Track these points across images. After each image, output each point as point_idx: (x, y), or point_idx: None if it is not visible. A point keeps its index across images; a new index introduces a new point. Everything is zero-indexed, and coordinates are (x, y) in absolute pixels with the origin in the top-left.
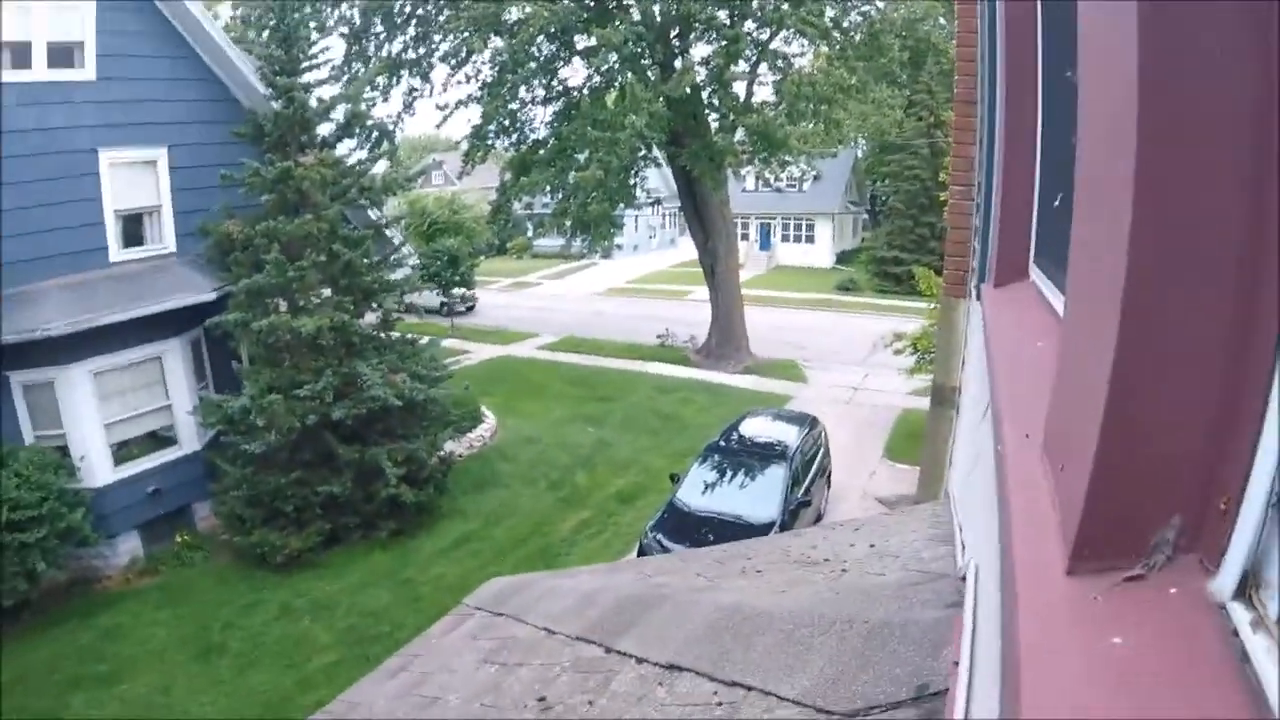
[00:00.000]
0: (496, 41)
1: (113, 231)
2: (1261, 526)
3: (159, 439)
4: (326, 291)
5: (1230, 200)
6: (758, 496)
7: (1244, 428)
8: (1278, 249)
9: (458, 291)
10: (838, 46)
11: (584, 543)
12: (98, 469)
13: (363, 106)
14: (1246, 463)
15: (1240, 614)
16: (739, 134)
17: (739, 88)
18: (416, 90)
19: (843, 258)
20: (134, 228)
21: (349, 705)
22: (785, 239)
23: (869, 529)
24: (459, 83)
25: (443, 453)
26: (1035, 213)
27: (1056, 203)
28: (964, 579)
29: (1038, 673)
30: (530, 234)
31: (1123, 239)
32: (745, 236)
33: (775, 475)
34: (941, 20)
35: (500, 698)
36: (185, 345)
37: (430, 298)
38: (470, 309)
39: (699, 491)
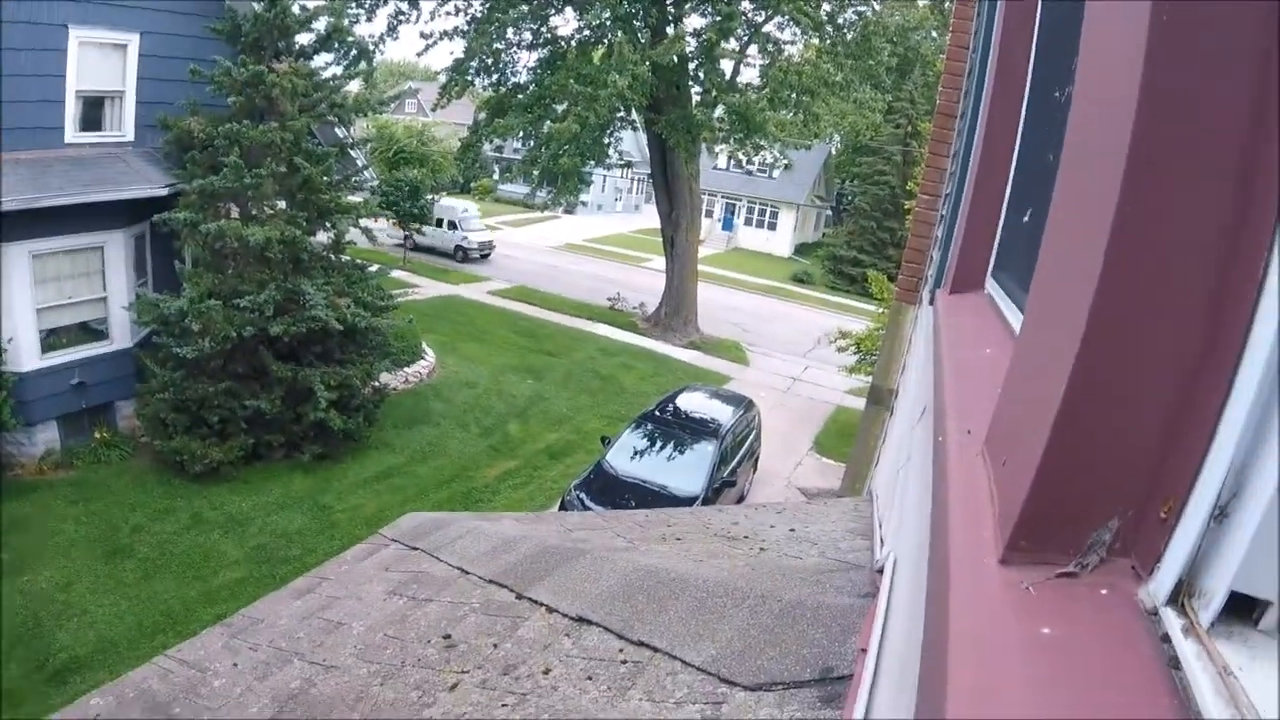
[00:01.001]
0: None
1: (71, 112)
2: (1202, 536)
3: (90, 331)
4: (281, 204)
5: (1209, 234)
6: (684, 469)
7: (1195, 440)
8: (1253, 275)
9: (476, 236)
10: (829, 41)
11: (508, 492)
12: (24, 354)
13: (345, 21)
14: (1192, 473)
15: (1172, 619)
16: (719, 111)
17: (726, 65)
18: (403, 14)
19: (801, 249)
20: (94, 111)
21: (250, 620)
22: (748, 222)
23: (791, 514)
24: (448, 13)
25: (377, 383)
26: (1000, 227)
27: (1026, 218)
28: (880, 571)
29: (965, 656)
30: (496, 177)
31: (1098, 255)
32: (709, 213)
33: (704, 451)
34: (934, 34)
35: (405, 630)
36: (129, 239)
37: (443, 238)
38: (485, 256)
39: (628, 457)
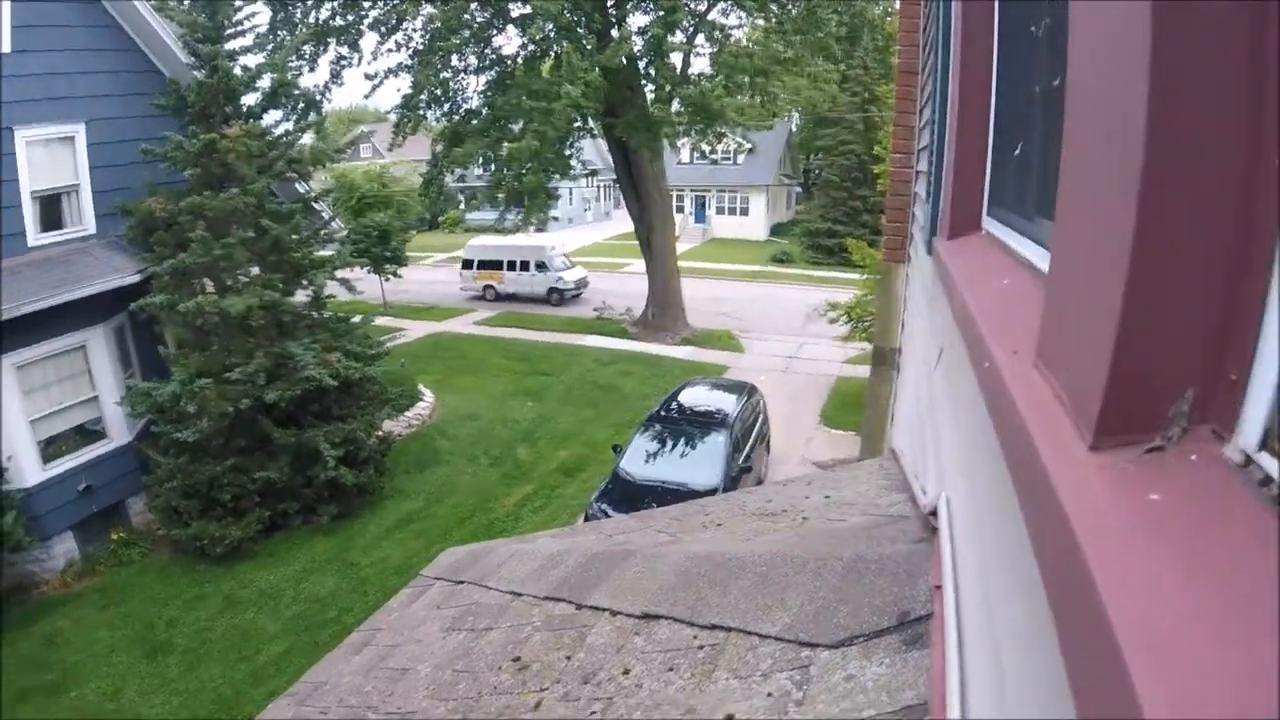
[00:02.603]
0: (428, 7)
1: (30, 214)
2: (1278, 384)
3: (87, 433)
4: (255, 269)
5: (1238, 110)
6: (700, 463)
7: (1251, 302)
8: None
9: (570, 275)
10: (775, 19)
11: (529, 516)
12: (26, 468)
13: (289, 75)
14: (1254, 332)
15: (1268, 460)
16: (675, 105)
17: (676, 59)
18: (345, 59)
19: (777, 230)
20: (52, 210)
21: (314, 685)
22: (720, 211)
23: (820, 483)
24: (389, 50)
25: (381, 432)
26: (989, 167)
27: (1018, 151)
28: (933, 514)
29: (1092, 533)
30: (463, 206)
31: (1136, 153)
32: (680, 209)
33: (716, 442)
34: None
35: (473, 662)
36: (109, 332)
37: (530, 282)
38: (577, 296)
39: (642, 461)
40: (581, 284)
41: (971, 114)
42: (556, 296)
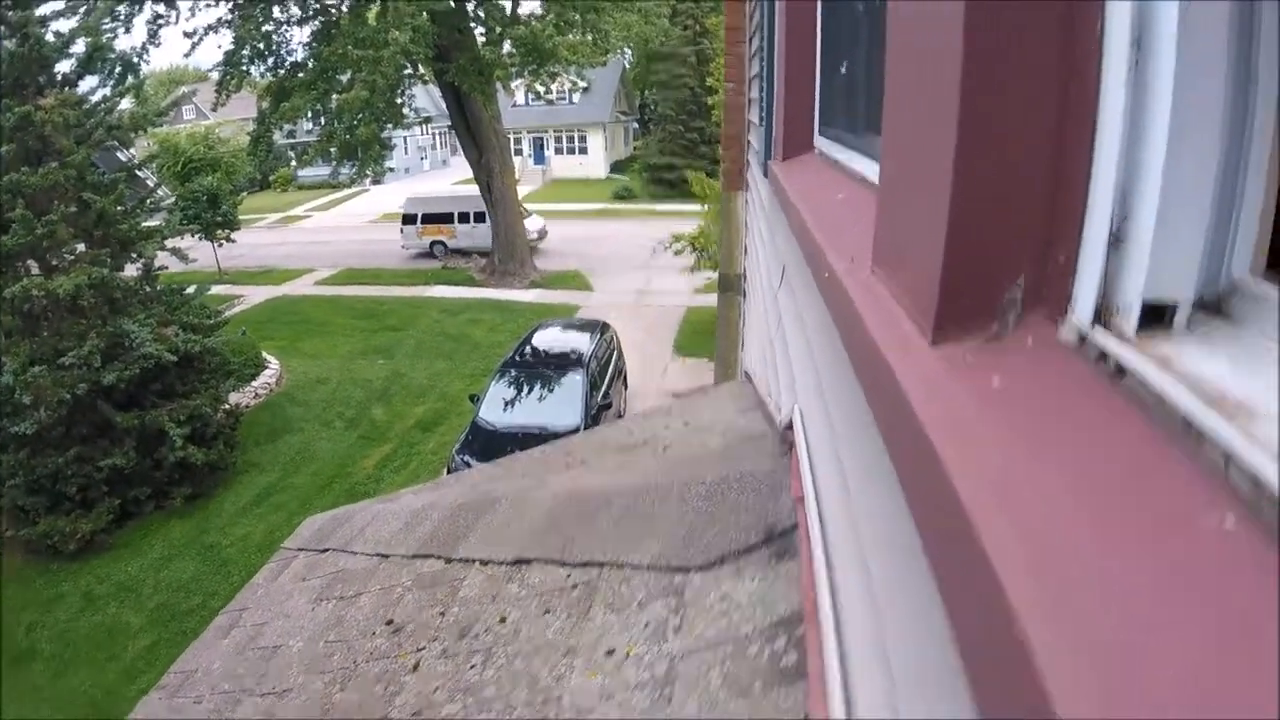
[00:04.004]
0: None
1: None
2: (1105, 263)
3: None
4: (81, 246)
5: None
6: (559, 405)
7: (1074, 183)
8: None
9: (529, 224)
10: None
11: (390, 476)
12: None
13: (104, 39)
14: (1079, 214)
15: (1103, 335)
16: (506, 46)
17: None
18: (162, 17)
19: (616, 167)
20: None
21: (183, 675)
22: (559, 151)
23: (679, 411)
24: (207, 5)
25: (228, 405)
26: (817, 88)
27: (844, 70)
28: (789, 427)
29: (939, 424)
30: (294, 164)
31: (956, 53)
32: (519, 152)
33: (573, 382)
34: None
35: (346, 631)
36: None
37: (484, 236)
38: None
39: (500, 409)
40: (542, 233)
41: (798, 38)
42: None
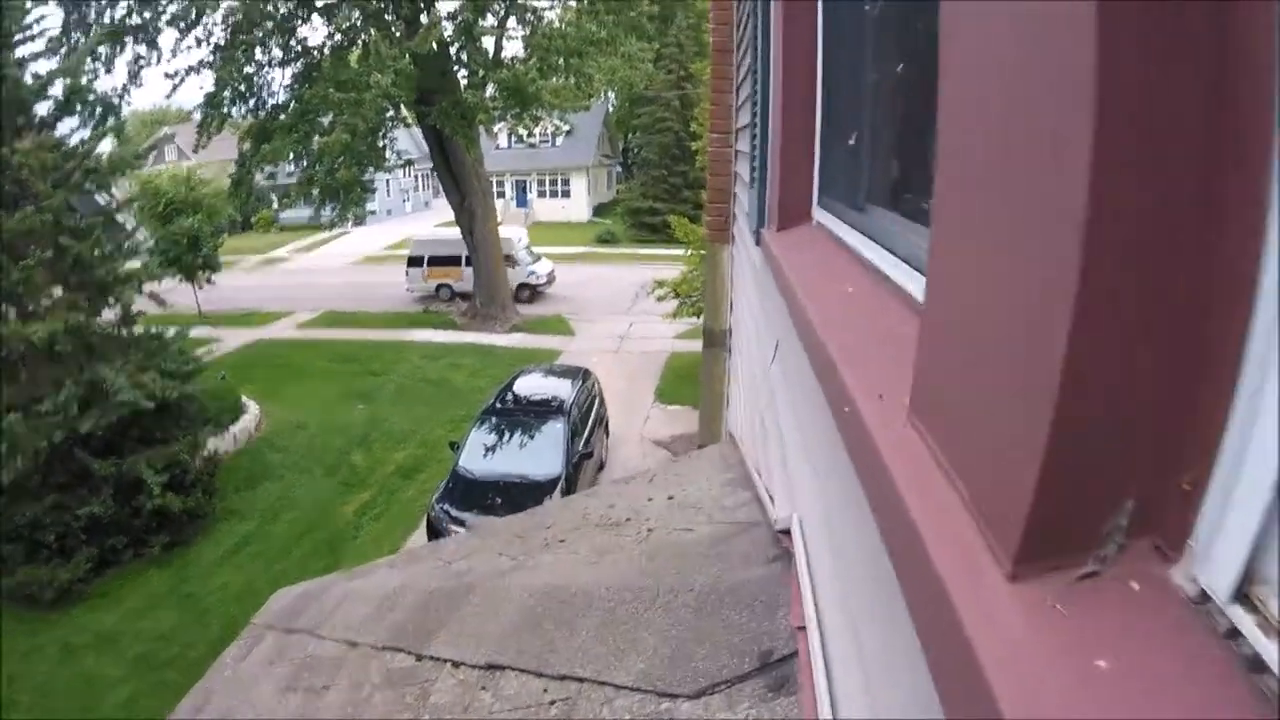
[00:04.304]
0: (228, 0)
1: None
2: (1264, 516)
3: None
4: (57, 291)
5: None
6: (540, 454)
7: (1218, 401)
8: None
9: (540, 268)
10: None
11: (369, 525)
12: None
13: (84, 80)
14: (1218, 435)
15: (1241, 615)
16: (490, 90)
17: (488, 42)
18: (143, 58)
19: (599, 210)
20: None
21: None
22: (542, 194)
23: (662, 479)
24: (189, 47)
25: (207, 452)
26: (817, 154)
27: (852, 141)
28: (786, 533)
29: (1014, 697)
30: (276, 206)
31: (1080, 188)
32: (501, 194)
33: (554, 431)
34: None
35: None
36: None
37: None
38: (543, 292)
39: (480, 456)
40: (551, 276)
41: (796, 96)
42: (528, 293)
